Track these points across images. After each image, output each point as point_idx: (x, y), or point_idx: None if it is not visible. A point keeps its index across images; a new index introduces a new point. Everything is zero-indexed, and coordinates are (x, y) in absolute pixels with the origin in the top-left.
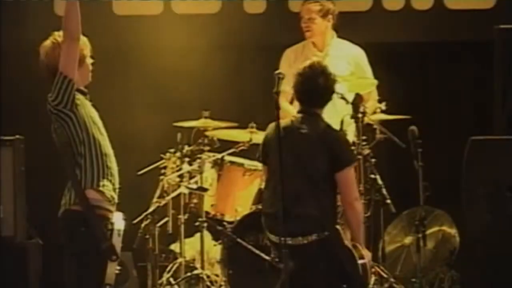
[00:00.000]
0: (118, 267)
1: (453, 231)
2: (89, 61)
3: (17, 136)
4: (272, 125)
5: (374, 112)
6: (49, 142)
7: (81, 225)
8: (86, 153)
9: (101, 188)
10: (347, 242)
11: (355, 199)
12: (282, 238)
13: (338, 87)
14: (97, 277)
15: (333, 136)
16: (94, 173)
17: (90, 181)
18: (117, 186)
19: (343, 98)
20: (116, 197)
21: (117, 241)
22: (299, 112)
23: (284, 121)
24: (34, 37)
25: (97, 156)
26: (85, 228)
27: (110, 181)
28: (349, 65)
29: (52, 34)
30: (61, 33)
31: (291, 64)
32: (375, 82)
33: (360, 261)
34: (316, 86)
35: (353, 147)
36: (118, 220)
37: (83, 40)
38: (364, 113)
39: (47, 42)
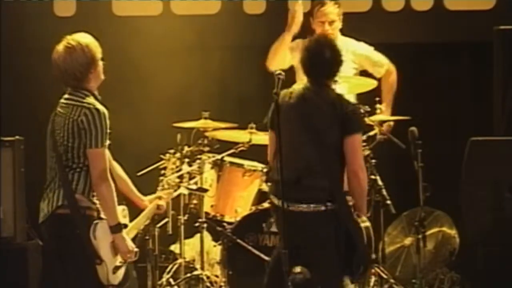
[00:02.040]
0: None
1: (453, 232)
2: (100, 63)
3: (17, 137)
4: (284, 92)
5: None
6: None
7: (72, 229)
8: (84, 163)
9: (91, 198)
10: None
11: (359, 167)
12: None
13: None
14: (90, 278)
15: (344, 105)
16: (87, 184)
17: (82, 190)
18: None
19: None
20: None
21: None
22: (308, 82)
23: (294, 89)
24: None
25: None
26: (75, 231)
27: None
28: (354, 64)
29: (65, 38)
30: (74, 36)
31: (295, 67)
32: (375, 83)
33: (363, 225)
34: (323, 59)
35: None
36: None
37: (95, 43)
38: (364, 114)
39: (61, 48)
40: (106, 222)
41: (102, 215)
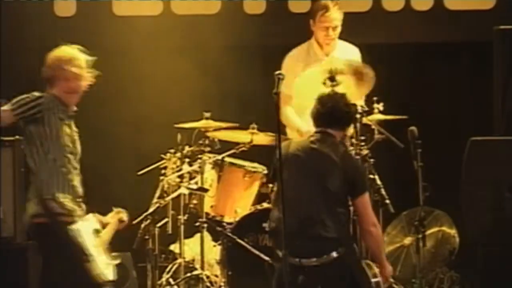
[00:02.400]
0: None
1: (452, 231)
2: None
3: (17, 137)
4: (286, 143)
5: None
6: None
7: (49, 238)
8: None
9: (61, 200)
10: (362, 262)
11: (372, 225)
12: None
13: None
14: (84, 278)
15: (352, 163)
16: (51, 185)
17: (47, 192)
18: (78, 197)
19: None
20: (78, 208)
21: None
22: (317, 132)
23: (301, 139)
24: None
25: (53, 169)
26: (52, 239)
27: (69, 193)
28: None
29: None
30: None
31: (296, 66)
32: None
33: (373, 280)
34: (336, 114)
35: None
36: (89, 223)
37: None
38: (362, 114)
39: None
40: (85, 221)
41: (77, 217)
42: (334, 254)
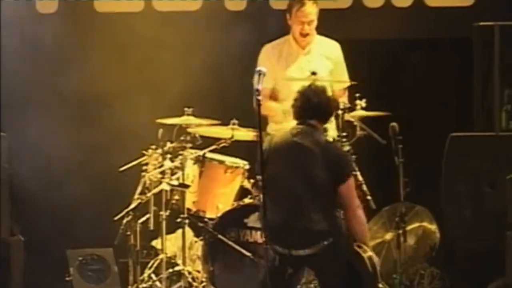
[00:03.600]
0: None
1: (433, 227)
2: None
3: (2, 133)
4: (268, 138)
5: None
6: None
7: None
8: None
9: None
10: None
11: (357, 207)
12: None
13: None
14: None
15: (333, 150)
16: None
17: None
18: None
19: None
20: None
21: None
22: (298, 124)
23: (282, 133)
24: None
25: None
26: None
27: None
28: (329, 63)
29: None
30: None
31: (271, 60)
32: (348, 82)
33: (366, 256)
34: (318, 105)
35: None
36: None
37: None
38: (344, 110)
39: None
40: None
41: None
42: (325, 243)
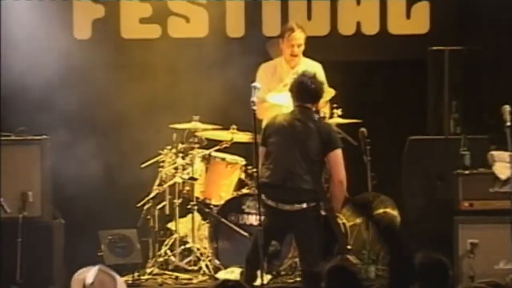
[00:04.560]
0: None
1: (395, 212)
2: None
3: (44, 136)
4: (273, 116)
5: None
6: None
7: None
8: None
9: None
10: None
11: (343, 177)
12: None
13: (281, 98)
14: None
15: (326, 126)
16: None
17: None
18: None
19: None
20: None
21: None
22: (296, 107)
23: (284, 114)
24: None
25: None
26: None
27: None
28: None
29: None
30: None
31: (267, 76)
32: (333, 92)
33: (341, 221)
34: (311, 89)
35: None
36: None
37: None
38: (324, 117)
39: None
40: None
41: None
42: (311, 204)
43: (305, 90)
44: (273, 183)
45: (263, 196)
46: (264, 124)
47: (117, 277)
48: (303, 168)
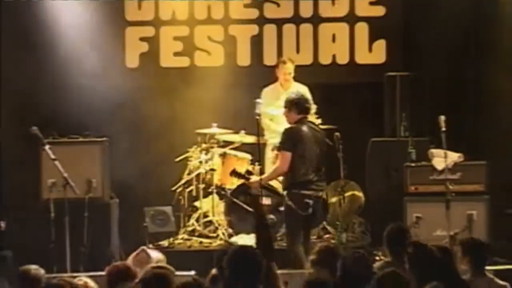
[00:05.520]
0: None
1: (361, 194)
2: None
3: (104, 138)
4: (298, 127)
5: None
6: (128, 147)
7: None
8: None
9: None
10: None
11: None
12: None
13: (277, 111)
14: None
15: (324, 135)
16: None
17: None
18: None
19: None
20: None
21: None
22: (305, 120)
23: (304, 126)
24: None
25: None
26: None
27: None
28: None
29: None
30: None
31: (268, 96)
32: (315, 106)
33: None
34: (304, 104)
35: None
36: None
37: None
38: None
39: None
40: None
41: None
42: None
43: (302, 106)
44: (309, 178)
45: (299, 189)
46: (287, 134)
47: (153, 256)
48: (321, 163)
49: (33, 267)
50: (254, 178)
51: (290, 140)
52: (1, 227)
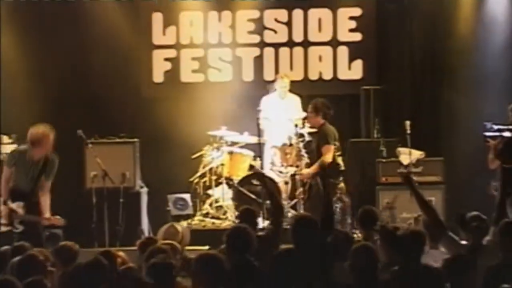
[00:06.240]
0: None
1: (342, 184)
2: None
3: (135, 139)
4: (332, 129)
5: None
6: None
7: None
8: None
9: None
10: None
11: None
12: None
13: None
14: None
15: None
16: None
17: None
18: None
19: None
20: None
21: None
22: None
23: (328, 124)
24: None
25: None
26: None
27: None
28: (294, 106)
29: None
30: None
31: (267, 103)
32: (304, 114)
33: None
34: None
35: None
36: None
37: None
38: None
39: None
40: None
41: None
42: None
43: (326, 111)
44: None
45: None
46: (333, 133)
47: (180, 230)
48: None
49: (70, 243)
50: (305, 170)
51: (333, 136)
52: (61, 223)
